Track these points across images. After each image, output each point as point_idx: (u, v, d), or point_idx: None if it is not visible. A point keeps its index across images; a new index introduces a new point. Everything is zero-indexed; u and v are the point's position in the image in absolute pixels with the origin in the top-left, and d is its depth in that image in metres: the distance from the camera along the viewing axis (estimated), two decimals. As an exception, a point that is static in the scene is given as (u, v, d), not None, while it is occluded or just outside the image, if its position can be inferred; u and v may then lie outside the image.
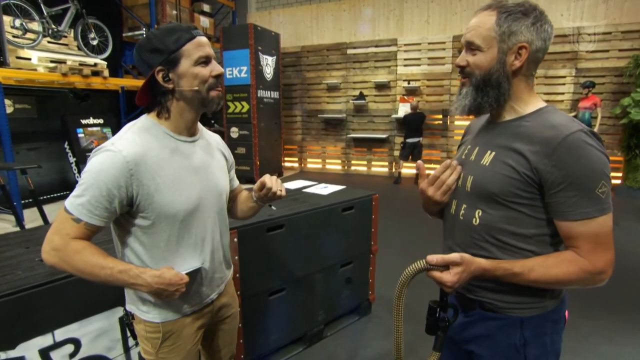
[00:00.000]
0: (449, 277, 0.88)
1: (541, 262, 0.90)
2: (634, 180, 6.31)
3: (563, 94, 6.88)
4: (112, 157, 0.99)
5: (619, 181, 6.65)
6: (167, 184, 1.06)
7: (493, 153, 0.98)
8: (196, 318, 1.22)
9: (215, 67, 1.08)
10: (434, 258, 0.89)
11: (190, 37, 1.04)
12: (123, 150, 1.00)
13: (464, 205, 1.03)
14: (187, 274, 1.08)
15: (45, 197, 5.68)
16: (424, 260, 0.90)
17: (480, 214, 0.98)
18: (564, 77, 6.83)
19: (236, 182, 1.42)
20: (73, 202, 1.00)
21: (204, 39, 1.07)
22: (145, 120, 1.10)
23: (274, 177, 1.25)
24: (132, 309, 1.18)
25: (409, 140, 7.23)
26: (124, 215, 1.08)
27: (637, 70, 6.10)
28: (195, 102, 1.09)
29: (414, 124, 7.19)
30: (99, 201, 0.99)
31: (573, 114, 6.65)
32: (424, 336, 1.10)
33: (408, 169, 7.99)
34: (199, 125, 1.22)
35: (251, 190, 1.35)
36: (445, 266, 0.89)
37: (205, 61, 1.06)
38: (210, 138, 1.28)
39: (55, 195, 6.05)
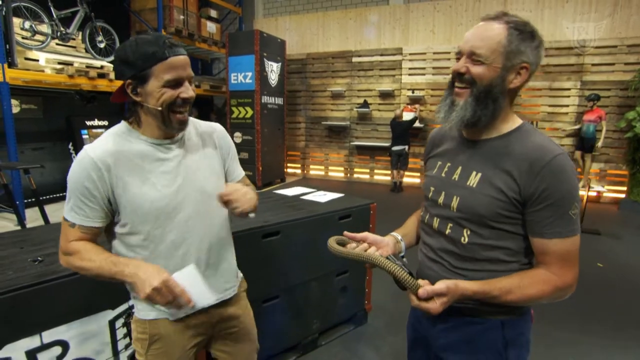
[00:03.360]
0: (435, 306, 0.91)
1: (517, 284, 0.93)
2: (638, 195, 6.25)
3: (568, 106, 6.85)
4: (82, 160, 1.04)
5: (623, 195, 6.58)
6: (136, 184, 1.07)
7: (479, 174, 0.99)
8: (187, 325, 1.19)
9: (184, 90, 1.05)
10: (425, 292, 0.90)
11: (162, 58, 1.00)
12: (91, 153, 1.04)
13: (450, 224, 1.04)
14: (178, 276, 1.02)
15: (47, 197, 5.71)
16: (415, 286, 0.93)
17: (468, 233, 1.00)
18: (569, 89, 6.80)
19: (240, 173, 1.34)
20: (65, 208, 1.08)
21: (177, 59, 1.02)
22: (121, 126, 1.13)
23: (242, 189, 1.12)
24: (134, 303, 1.19)
25: (394, 148, 7.25)
26: (111, 222, 1.12)
27: (643, 84, 6.07)
28: (159, 120, 1.07)
29: (397, 132, 7.20)
30: (82, 202, 1.05)
31: (578, 126, 6.62)
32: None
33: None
34: (190, 122, 1.17)
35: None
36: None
37: (174, 84, 1.03)
38: (201, 135, 1.22)
39: (57, 195, 6.08)
